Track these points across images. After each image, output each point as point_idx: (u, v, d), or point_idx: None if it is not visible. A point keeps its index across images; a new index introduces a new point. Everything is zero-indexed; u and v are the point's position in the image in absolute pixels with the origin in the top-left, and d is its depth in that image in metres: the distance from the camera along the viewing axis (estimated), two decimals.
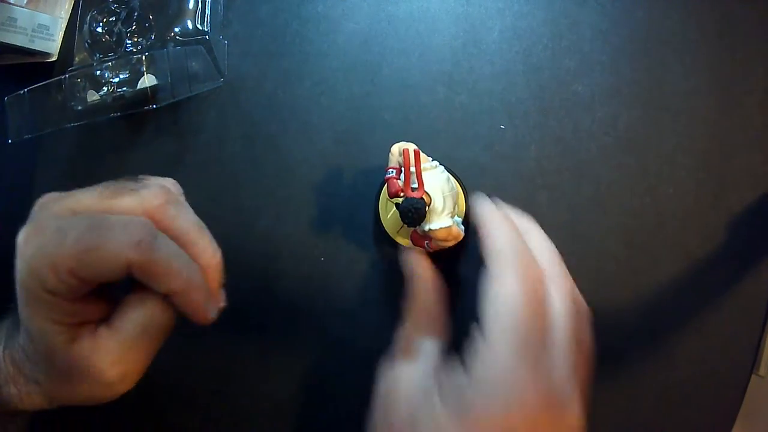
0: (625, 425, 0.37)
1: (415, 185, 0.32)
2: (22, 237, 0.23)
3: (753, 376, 0.37)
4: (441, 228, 0.32)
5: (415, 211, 0.31)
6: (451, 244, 0.34)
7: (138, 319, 0.25)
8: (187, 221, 0.26)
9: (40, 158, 0.43)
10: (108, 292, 0.26)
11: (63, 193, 0.25)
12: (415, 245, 0.37)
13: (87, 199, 0.25)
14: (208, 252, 0.26)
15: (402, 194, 0.31)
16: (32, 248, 0.23)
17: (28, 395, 0.26)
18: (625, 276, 0.38)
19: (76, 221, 0.23)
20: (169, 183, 0.28)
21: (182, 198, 0.27)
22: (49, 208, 0.24)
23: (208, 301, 0.25)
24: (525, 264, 0.27)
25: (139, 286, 0.25)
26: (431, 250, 0.36)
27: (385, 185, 0.33)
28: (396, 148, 0.33)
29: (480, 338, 0.25)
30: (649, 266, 0.38)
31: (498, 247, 0.28)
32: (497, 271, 0.26)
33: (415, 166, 0.32)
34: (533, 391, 0.23)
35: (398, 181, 0.32)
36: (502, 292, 0.25)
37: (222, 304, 0.27)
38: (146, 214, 0.24)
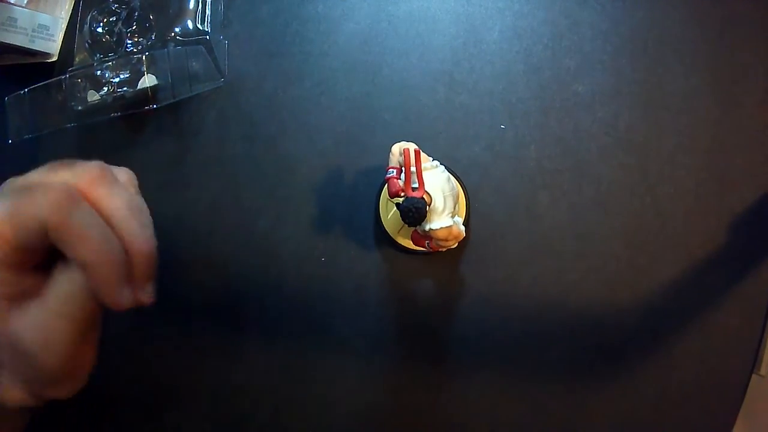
0: (625, 425, 0.37)
1: (416, 185, 0.32)
2: None
3: (753, 376, 0.37)
4: (442, 228, 0.32)
5: (416, 211, 0.30)
6: (452, 244, 0.34)
7: (61, 287, 0.25)
8: (115, 202, 0.25)
9: (40, 158, 0.43)
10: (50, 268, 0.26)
11: (19, 176, 0.26)
12: (416, 245, 0.37)
13: (33, 175, 0.25)
14: (136, 237, 0.25)
15: (402, 194, 0.31)
16: None
17: (3, 386, 0.26)
18: (625, 276, 0.38)
19: (12, 192, 0.24)
20: (121, 171, 0.28)
21: (120, 182, 0.27)
22: (3, 188, 0.25)
23: (122, 284, 0.24)
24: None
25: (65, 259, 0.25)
26: (432, 250, 0.36)
27: (386, 185, 0.33)
28: (396, 148, 0.33)
29: None
30: (649, 266, 0.38)
31: None
32: None
33: (416, 165, 0.32)
34: None
35: (398, 181, 0.32)
36: None
37: (146, 298, 0.26)
38: (75, 188, 0.25)
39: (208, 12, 0.42)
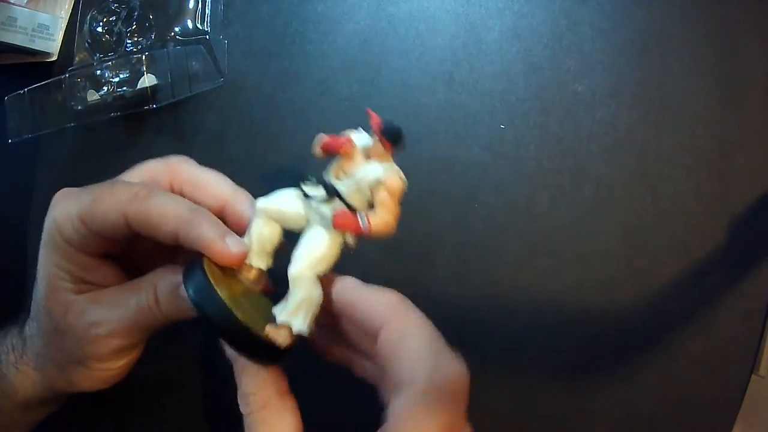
0: (625, 425, 0.37)
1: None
2: (56, 196, 0.27)
3: (753, 376, 0.37)
4: (387, 173, 0.24)
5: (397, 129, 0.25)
6: (392, 219, 0.25)
7: (138, 299, 0.26)
8: (203, 170, 0.29)
9: (40, 158, 0.43)
10: (123, 266, 0.28)
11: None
12: (342, 228, 0.25)
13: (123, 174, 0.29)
14: (225, 188, 0.28)
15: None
16: (59, 203, 0.26)
17: (22, 366, 0.28)
18: (625, 276, 0.38)
19: (97, 186, 0.27)
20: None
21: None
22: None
23: (223, 234, 0.24)
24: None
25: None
26: (369, 233, 0.25)
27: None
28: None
29: None
30: (649, 266, 0.38)
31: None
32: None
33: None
34: None
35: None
36: None
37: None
38: (168, 167, 0.28)
39: (207, 12, 0.42)
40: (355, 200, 0.25)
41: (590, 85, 0.39)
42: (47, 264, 0.26)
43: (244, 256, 0.25)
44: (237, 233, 0.25)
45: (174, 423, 0.40)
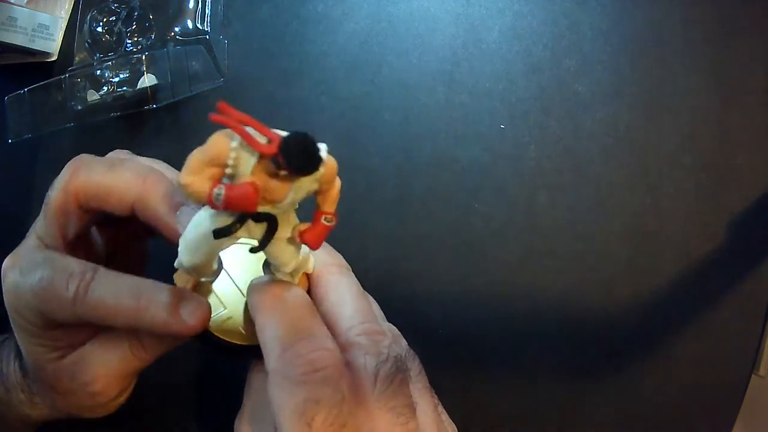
0: (625, 425, 0.37)
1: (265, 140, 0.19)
2: (3, 267, 0.25)
3: (753, 376, 0.37)
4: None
5: (308, 140, 0.19)
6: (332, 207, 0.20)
7: (122, 351, 0.25)
8: (106, 171, 0.26)
9: (40, 158, 0.43)
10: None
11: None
12: (319, 243, 0.21)
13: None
14: (131, 188, 0.26)
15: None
16: (8, 278, 0.24)
17: (33, 403, 0.28)
18: (625, 276, 0.38)
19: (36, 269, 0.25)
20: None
21: None
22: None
23: (174, 310, 0.24)
24: None
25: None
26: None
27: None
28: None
29: None
30: (649, 266, 0.38)
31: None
32: None
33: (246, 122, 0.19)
34: None
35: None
36: None
37: None
38: (66, 195, 0.26)
39: (207, 12, 0.42)
40: (291, 216, 0.21)
41: (590, 85, 0.39)
42: (23, 342, 0.25)
43: (207, 313, 0.23)
44: (154, 229, 0.24)
45: (174, 423, 0.40)
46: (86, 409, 0.27)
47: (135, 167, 0.25)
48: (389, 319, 0.26)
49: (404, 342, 0.23)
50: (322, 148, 0.19)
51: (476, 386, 0.38)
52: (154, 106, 0.40)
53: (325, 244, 0.24)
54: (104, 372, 0.25)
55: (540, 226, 0.39)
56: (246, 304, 0.24)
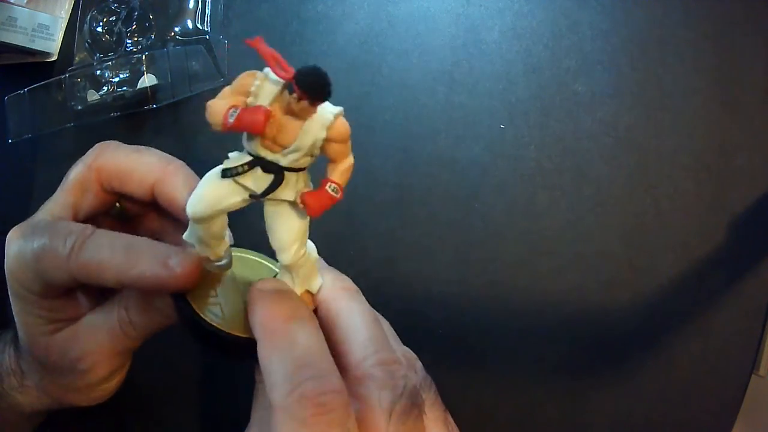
0: (625, 425, 0.37)
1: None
2: (8, 237, 0.25)
3: (753, 376, 0.37)
4: (336, 115, 0.20)
5: (319, 73, 0.19)
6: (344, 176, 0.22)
7: (110, 326, 0.26)
8: (129, 154, 0.28)
9: (40, 158, 0.43)
10: (90, 291, 0.27)
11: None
12: (319, 211, 0.21)
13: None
14: (152, 170, 0.27)
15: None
16: (11, 246, 0.25)
17: (23, 386, 0.28)
18: (625, 276, 0.38)
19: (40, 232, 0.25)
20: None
21: None
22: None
23: (164, 260, 0.24)
24: None
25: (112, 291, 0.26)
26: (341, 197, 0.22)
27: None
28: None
29: None
30: (649, 266, 0.38)
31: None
32: None
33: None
34: None
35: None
36: None
37: None
38: (89, 171, 0.27)
39: (207, 12, 0.42)
40: (304, 167, 0.21)
41: (590, 85, 0.39)
42: (19, 312, 0.25)
43: (196, 266, 0.22)
44: (173, 213, 0.25)
45: (174, 423, 0.40)
46: (76, 393, 0.27)
47: (159, 153, 0.27)
48: (389, 320, 0.25)
49: (419, 365, 0.23)
50: (339, 108, 0.20)
51: (476, 386, 0.38)
52: (154, 106, 0.40)
53: (331, 268, 0.25)
54: (93, 349, 0.25)
55: (540, 226, 0.39)
56: (245, 304, 0.24)
